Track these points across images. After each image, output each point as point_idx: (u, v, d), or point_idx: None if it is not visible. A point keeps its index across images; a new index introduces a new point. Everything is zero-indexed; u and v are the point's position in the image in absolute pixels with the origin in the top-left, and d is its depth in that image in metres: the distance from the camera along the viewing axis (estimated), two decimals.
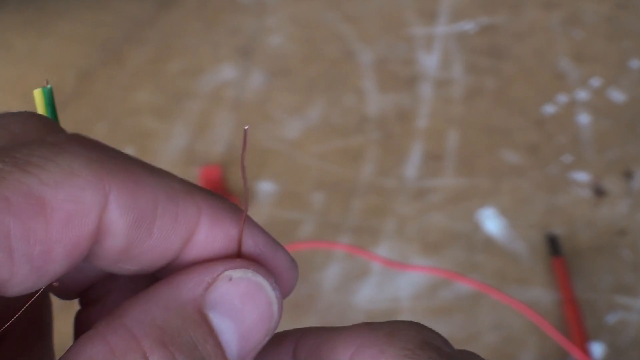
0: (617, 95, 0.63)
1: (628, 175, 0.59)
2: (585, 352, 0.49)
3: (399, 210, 0.57)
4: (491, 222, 0.56)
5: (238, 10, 0.71)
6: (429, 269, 0.54)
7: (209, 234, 0.19)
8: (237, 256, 0.19)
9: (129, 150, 0.62)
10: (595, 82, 0.64)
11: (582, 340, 0.50)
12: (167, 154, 0.61)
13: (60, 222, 0.17)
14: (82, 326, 0.21)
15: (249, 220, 0.20)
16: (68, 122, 0.65)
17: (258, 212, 0.57)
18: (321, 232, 0.56)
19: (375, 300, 0.53)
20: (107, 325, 0.17)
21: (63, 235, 0.17)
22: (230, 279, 0.18)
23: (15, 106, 0.65)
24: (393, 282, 0.54)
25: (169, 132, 0.63)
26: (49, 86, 0.21)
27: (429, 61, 0.67)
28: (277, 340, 0.21)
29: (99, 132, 0.63)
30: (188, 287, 0.18)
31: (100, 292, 0.21)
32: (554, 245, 0.54)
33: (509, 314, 0.52)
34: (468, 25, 0.69)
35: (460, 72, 0.66)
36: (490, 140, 0.61)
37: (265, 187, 0.59)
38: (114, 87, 0.66)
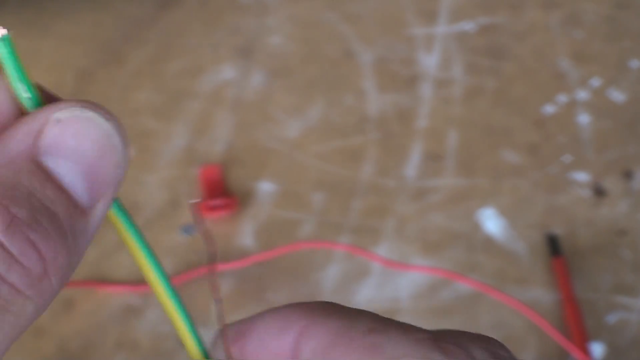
0: (617, 95, 0.63)
1: (628, 175, 0.59)
2: (585, 352, 0.49)
3: (399, 210, 0.57)
4: (491, 222, 0.56)
5: (238, 10, 0.71)
6: (429, 269, 0.54)
7: None
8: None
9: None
10: (595, 82, 0.64)
11: (582, 340, 0.50)
12: (167, 154, 0.61)
13: None
14: None
15: None
16: None
17: (258, 212, 0.58)
18: (321, 232, 0.56)
19: (376, 300, 0.53)
20: None
21: None
22: (59, 121, 0.18)
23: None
24: (393, 282, 0.54)
25: (169, 132, 0.63)
26: (6, 35, 0.19)
27: (429, 61, 0.67)
28: (278, 326, 0.20)
29: None
30: (17, 139, 0.18)
31: None
32: (554, 245, 0.54)
33: (509, 314, 0.52)
34: (468, 25, 0.69)
35: (460, 72, 0.66)
36: (490, 140, 0.61)
37: (265, 187, 0.59)
38: (114, 87, 0.66)
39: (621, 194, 0.58)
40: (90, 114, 0.18)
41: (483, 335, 0.20)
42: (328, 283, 0.54)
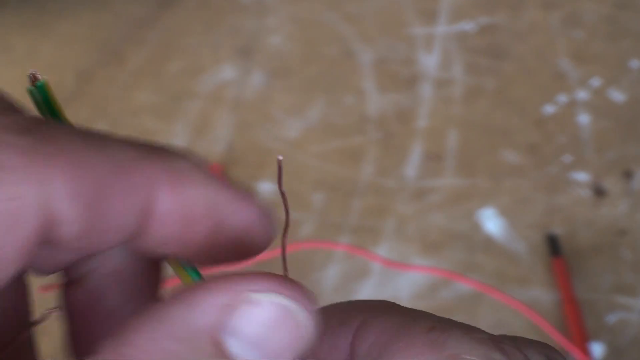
0: (617, 95, 0.63)
1: (628, 175, 0.59)
2: (585, 352, 0.49)
3: (399, 210, 0.57)
4: (491, 222, 0.56)
5: (238, 11, 0.71)
6: (429, 269, 0.54)
7: (173, 200, 0.18)
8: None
9: None
10: (595, 82, 0.64)
11: (582, 340, 0.50)
12: None
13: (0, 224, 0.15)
14: (71, 307, 0.20)
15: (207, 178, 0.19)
16: None
17: None
18: (321, 232, 0.56)
19: None
20: (111, 354, 0.15)
21: (7, 237, 0.15)
22: (255, 303, 0.16)
23: None
24: (393, 282, 0.54)
25: (169, 132, 0.63)
26: (41, 81, 0.18)
27: (429, 61, 0.67)
28: (336, 323, 0.20)
29: None
30: (203, 310, 0.16)
31: (81, 269, 0.20)
32: (554, 245, 0.54)
33: (509, 314, 0.52)
34: (468, 25, 0.69)
35: (460, 72, 0.66)
36: (490, 140, 0.61)
37: (265, 187, 0.59)
38: (114, 87, 0.66)
39: (621, 194, 0.58)
40: (289, 305, 0.16)
41: (539, 341, 0.20)
42: (328, 283, 0.54)
